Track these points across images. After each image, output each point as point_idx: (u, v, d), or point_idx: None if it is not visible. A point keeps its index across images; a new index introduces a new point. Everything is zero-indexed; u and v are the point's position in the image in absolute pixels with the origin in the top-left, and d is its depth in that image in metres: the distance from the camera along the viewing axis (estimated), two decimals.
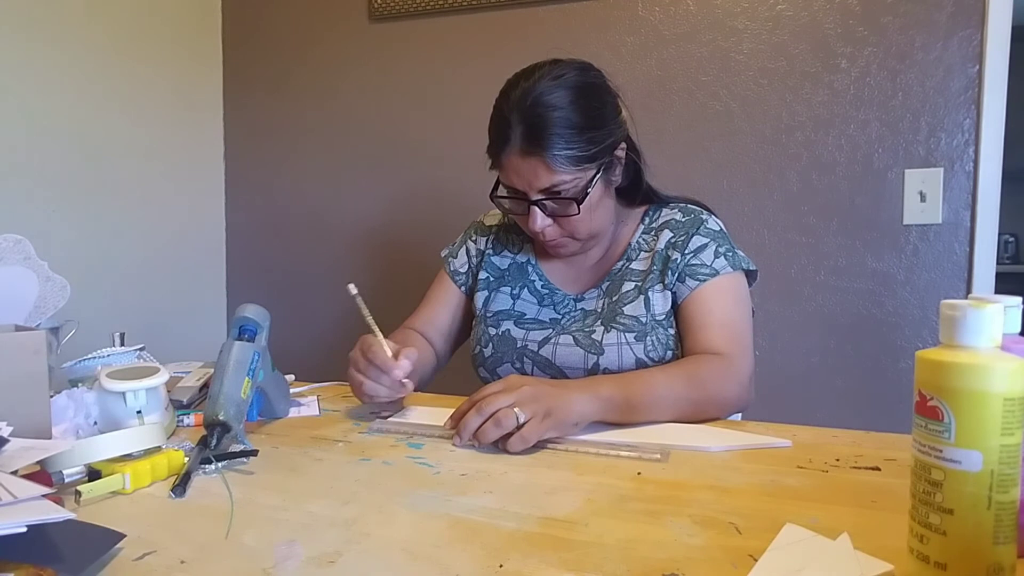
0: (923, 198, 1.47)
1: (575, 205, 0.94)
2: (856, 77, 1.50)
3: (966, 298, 0.43)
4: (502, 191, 1.00)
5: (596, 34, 1.68)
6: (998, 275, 1.45)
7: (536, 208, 0.95)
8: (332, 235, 1.97)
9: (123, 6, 1.73)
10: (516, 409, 0.73)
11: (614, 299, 1.01)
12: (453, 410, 0.81)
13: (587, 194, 0.94)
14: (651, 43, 1.64)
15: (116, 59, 1.72)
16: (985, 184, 1.44)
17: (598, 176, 0.95)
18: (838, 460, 0.71)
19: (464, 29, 1.79)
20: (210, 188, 2.05)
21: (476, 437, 0.75)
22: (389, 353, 0.86)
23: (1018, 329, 0.47)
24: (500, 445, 0.74)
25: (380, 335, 0.89)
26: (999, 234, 1.46)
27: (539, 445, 0.75)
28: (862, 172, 1.52)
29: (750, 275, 1.03)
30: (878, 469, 0.68)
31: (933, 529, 0.41)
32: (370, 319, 0.89)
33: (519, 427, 0.73)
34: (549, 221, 0.97)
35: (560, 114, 0.91)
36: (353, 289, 0.87)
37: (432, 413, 0.89)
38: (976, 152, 1.44)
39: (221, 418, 0.72)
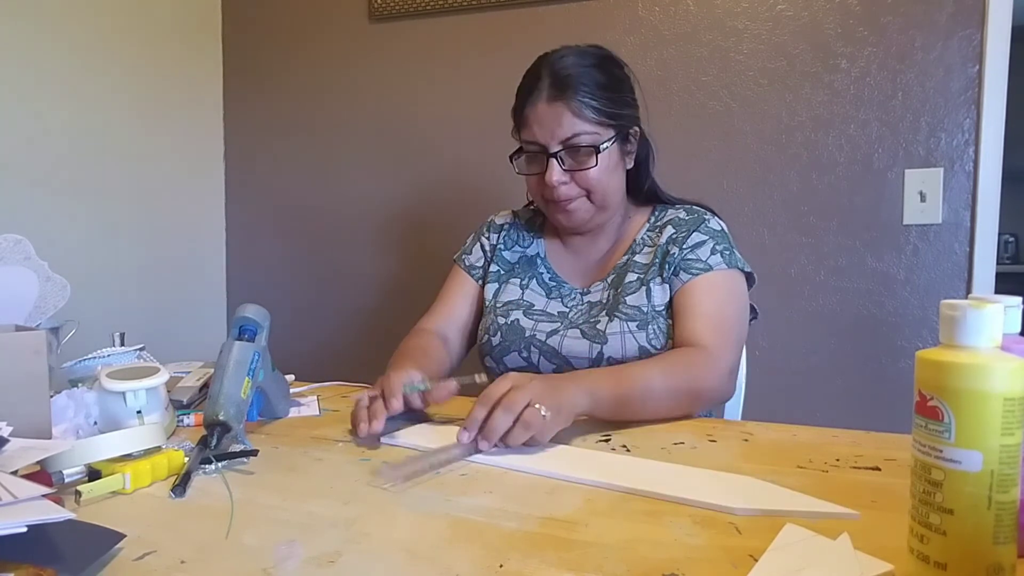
0: (923, 198, 1.47)
1: (593, 156, 0.98)
2: (856, 77, 1.50)
3: (966, 298, 0.43)
4: (521, 158, 1.04)
5: (596, 34, 1.67)
6: (998, 275, 1.45)
7: (554, 160, 0.99)
8: (332, 235, 1.97)
9: (123, 6, 1.73)
10: (537, 405, 0.72)
11: (618, 290, 1.03)
12: (457, 427, 0.75)
13: (605, 149, 0.98)
14: (651, 43, 1.64)
15: (116, 58, 1.72)
16: (985, 184, 1.44)
17: (615, 138, 1.00)
18: (838, 460, 0.71)
19: (464, 29, 1.79)
20: (210, 188, 2.04)
21: (504, 440, 0.72)
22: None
23: (1018, 329, 0.47)
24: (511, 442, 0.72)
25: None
26: (999, 234, 1.46)
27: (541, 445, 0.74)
28: (862, 172, 1.51)
29: (749, 279, 1.04)
30: (878, 469, 0.68)
31: (933, 529, 0.41)
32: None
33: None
34: (566, 178, 1.00)
35: (586, 71, 0.99)
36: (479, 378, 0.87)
37: (439, 431, 0.82)
38: (976, 152, 1.44)
39: (221, 418, 0.72)
